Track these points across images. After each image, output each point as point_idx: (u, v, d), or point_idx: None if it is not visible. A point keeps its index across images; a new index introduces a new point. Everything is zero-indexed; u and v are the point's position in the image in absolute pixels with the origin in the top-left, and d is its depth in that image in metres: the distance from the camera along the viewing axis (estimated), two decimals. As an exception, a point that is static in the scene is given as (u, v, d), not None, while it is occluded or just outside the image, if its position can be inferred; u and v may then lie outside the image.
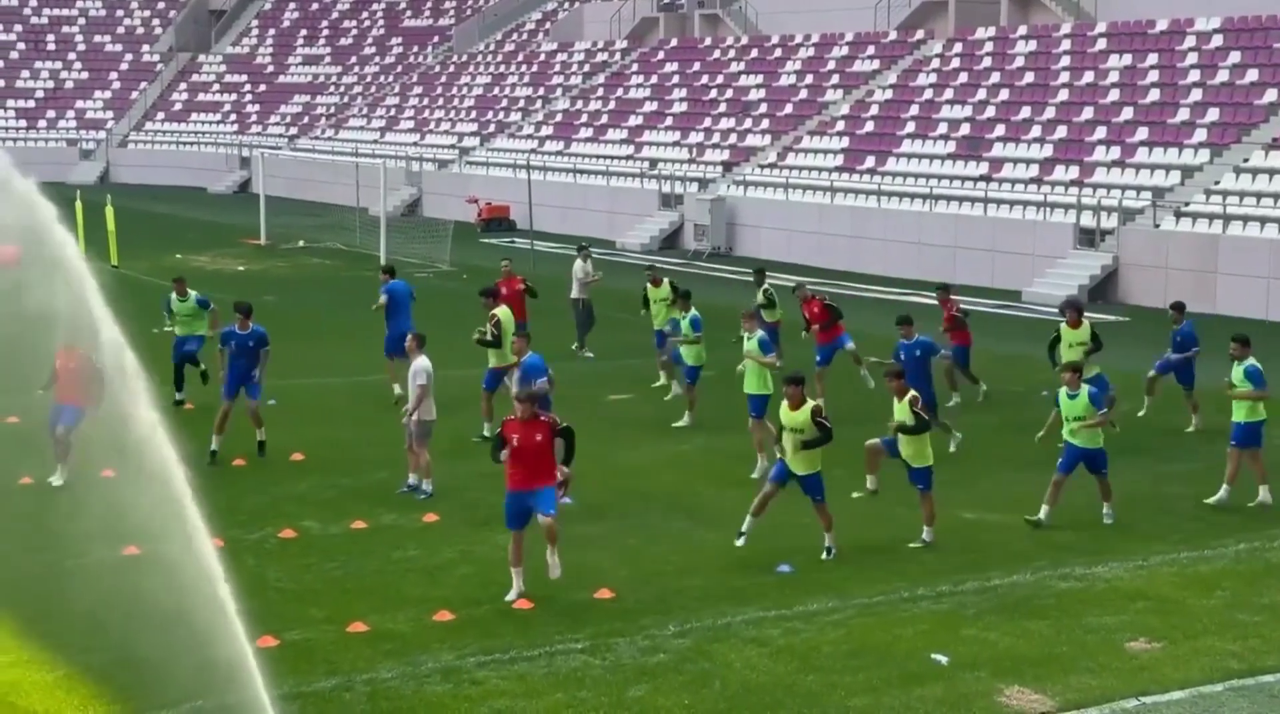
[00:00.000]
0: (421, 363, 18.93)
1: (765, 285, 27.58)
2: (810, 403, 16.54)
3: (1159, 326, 33.93)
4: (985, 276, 40.02)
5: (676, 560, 16.56)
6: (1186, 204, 37.95)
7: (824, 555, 16.58)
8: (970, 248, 40.87)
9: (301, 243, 49.84)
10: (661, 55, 61.24)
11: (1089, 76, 45.12)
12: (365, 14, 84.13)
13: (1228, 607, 15.16)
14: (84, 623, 14.26)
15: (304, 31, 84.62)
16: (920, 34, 52.68)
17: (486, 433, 21.37)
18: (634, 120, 57.04)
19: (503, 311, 22.91)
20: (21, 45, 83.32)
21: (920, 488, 17.23)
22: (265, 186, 53.43)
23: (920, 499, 17.26)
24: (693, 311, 23.73)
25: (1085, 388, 17.93)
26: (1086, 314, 23.87)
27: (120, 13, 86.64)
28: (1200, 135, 40.22)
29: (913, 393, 17.30)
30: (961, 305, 25.83)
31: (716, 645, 13.96)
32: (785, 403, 16.59)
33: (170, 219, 57.90)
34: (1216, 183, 38.41)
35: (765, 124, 52.22)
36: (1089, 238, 38.80)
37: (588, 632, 14.23)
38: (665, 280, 27.26)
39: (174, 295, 24.81)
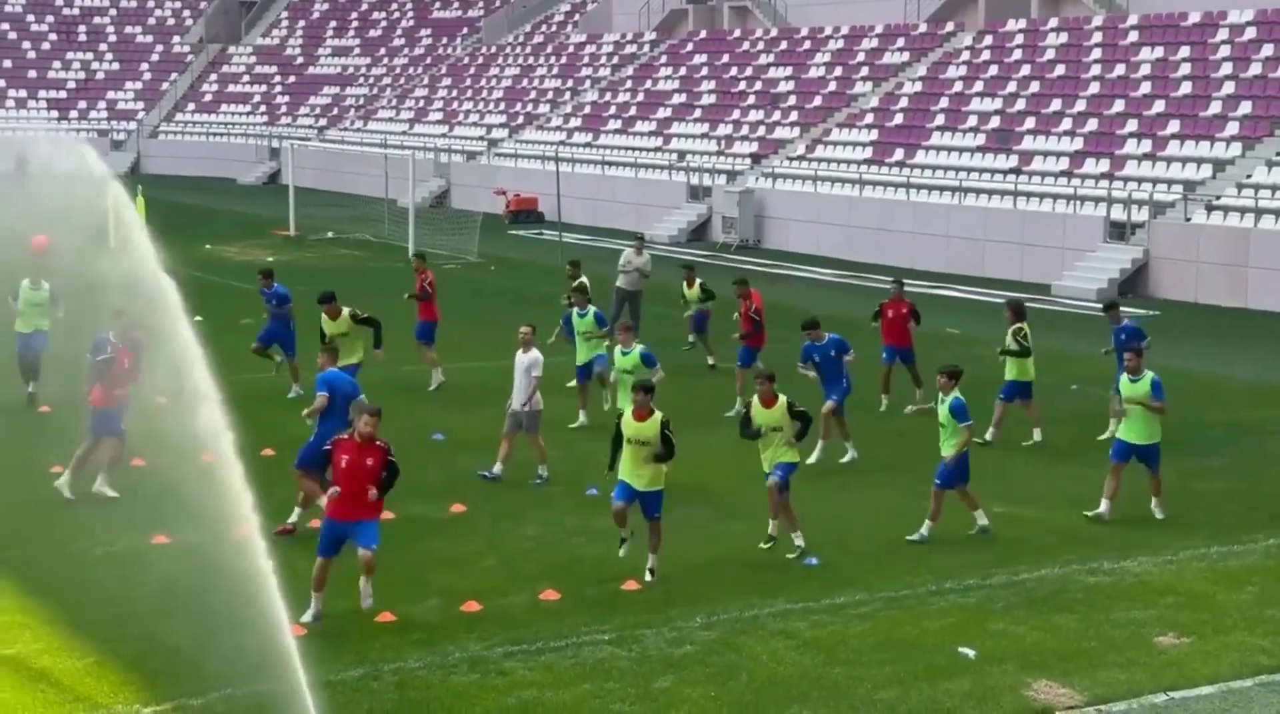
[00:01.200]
0: (536, 355, 19.48)
1: (700, 281, 27.35)
2: (659, 415, 15.54)
3: (1190, 321, 33.86)
4: (1015, 270, 39.89)
5: (703, 553, 16.56)
6: (1218, 198, 37.76)
7: (648, 577, 15.50)
8: (999, 241, 40.73)
9: (330, 234, 49.97)
10: (690, 47, 61.18)
11: (1120, 69, 44.90)
12: (394, 5, 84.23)
13: (1257, 602, 15.10)
14: (114, 610, 14.35)
15: (333, 23, 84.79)
16: (950, 26, 52.50)
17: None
18: (662, 112, 57.00)
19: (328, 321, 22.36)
20: (53, 36, 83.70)
21: (782, 488, 16.33)
22: (294, 177, 53.56)
23: (782, 503, 16.36)
24: (594, 308, 23.00)
25: (951, 396, 16.90)
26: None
27: (151, 4, 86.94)
28: (1232, 128, 39.99)
29: (785, 397, 16.34)
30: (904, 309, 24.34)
31: (743, 637, 13.97)
32: (630, 413, 15.68)
33: (200, 210, 58.09)
34: (1248, 176, 38.19)
35: (794, 116, 52.12)
36: (1119, 231, 38.63)
37: (615, 623, 14.25)
38: (583, 277, 26.30)
39: (26, 282, 23.29)
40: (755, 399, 16.52)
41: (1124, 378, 18.16)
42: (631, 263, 30.10)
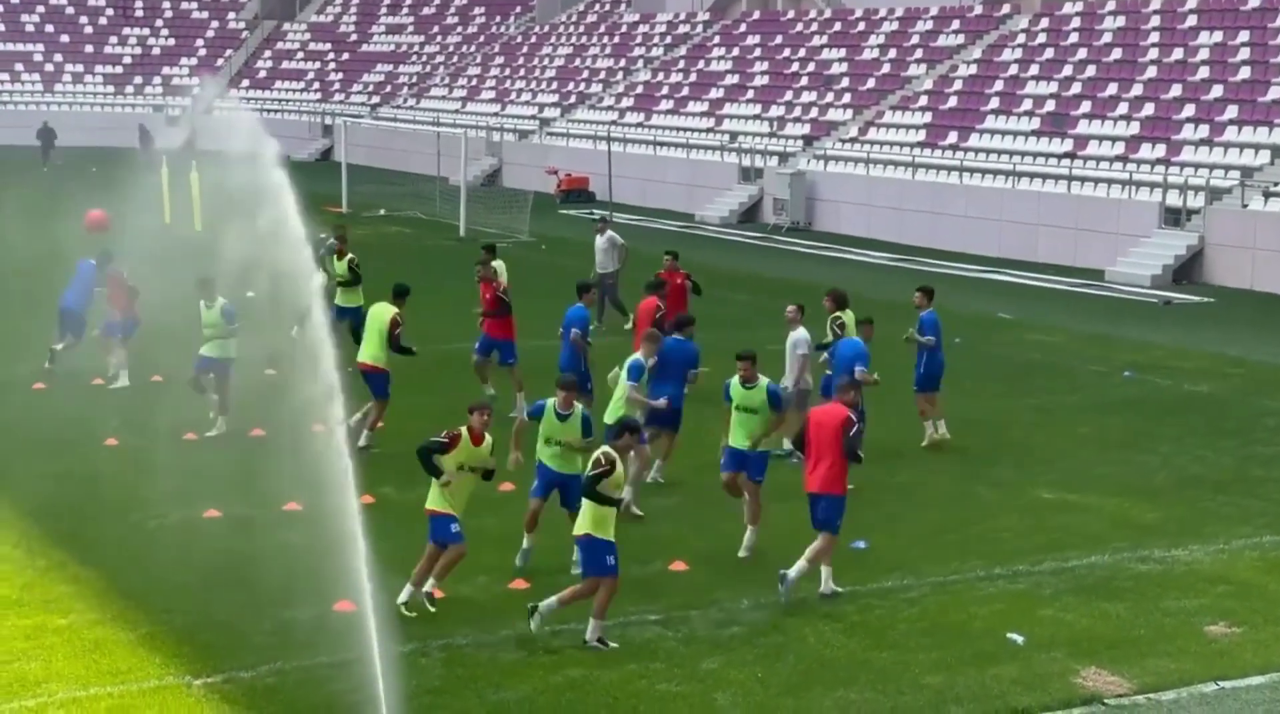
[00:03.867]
0: (802, 333, 19.37)
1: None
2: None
3: (1245, 308, 33.56)
4: (1068, 255, 39.61)
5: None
6: (1276, 184, 37.32)
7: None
8: (1053, 226, 40.43)
9: (382, 211, 50.14)
10: (744, 27, 60.97)
11: (1178, 53, 44.45)
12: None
13: (1310, 593, 14.96)
14: (166, 582, 14.49)
15: (387, 0, 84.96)
16: (1006, 8, 52.08)
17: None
18: (715, 93, 56.86)
19: None
20: (110, 11, 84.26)
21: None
22: (347, 154, 53.75)
23: None
24: (222, 301, 20.30)
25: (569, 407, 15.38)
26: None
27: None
28: (1291, 114, 39.55)
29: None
30: (693, 277, 23.54)
31: (790, 620, 13.96)
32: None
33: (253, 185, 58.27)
34: (1307, 163, 37.78)
35: (847, 98, 51.89)
36: (1175, 217, 38.27)
37: (662, 604, 14.26)
38: (351, 256, 24.80)
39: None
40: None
41: (734, 382, 16.13)
42: (598, 247, 29.69)
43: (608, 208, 46.36)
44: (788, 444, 18.92)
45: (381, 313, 20.27)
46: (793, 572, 14.36)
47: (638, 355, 17.84)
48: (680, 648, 13.26)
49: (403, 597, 13.92)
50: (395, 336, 19.97)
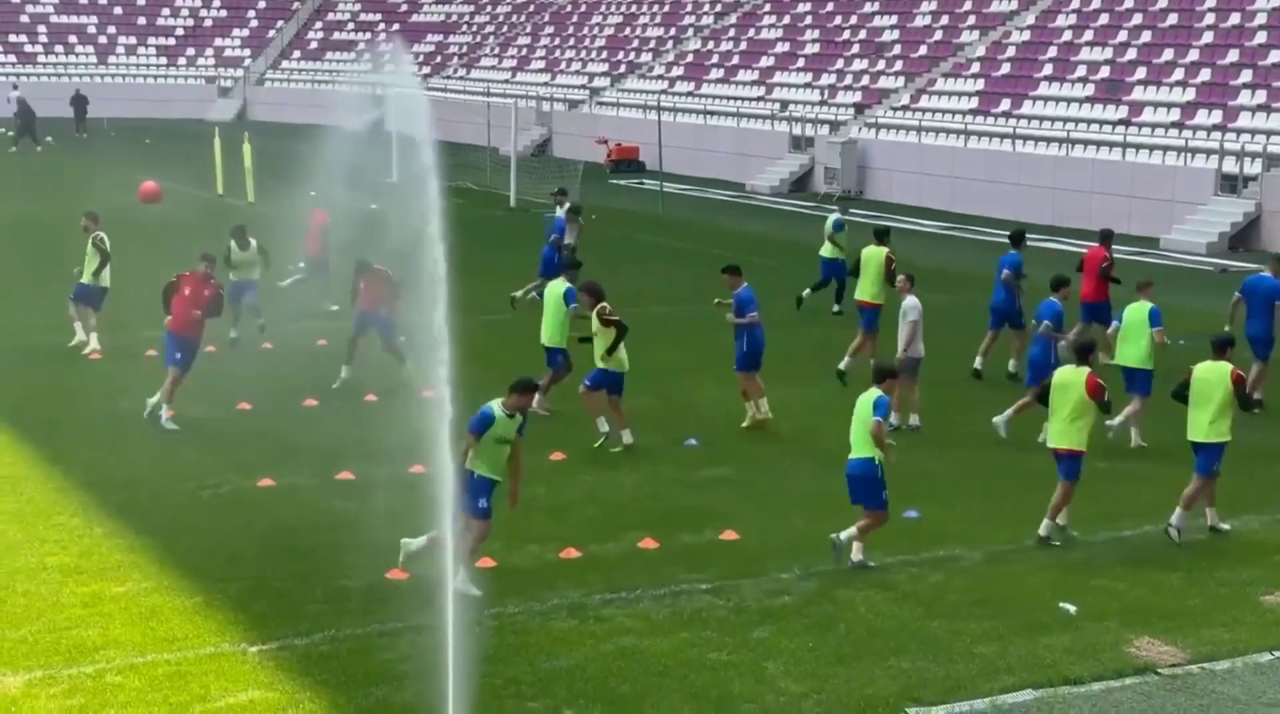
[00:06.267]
0: (913, 301, 19.63)
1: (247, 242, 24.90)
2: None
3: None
4: (1122, 222, 39.19)
5: (803, 503, 16.54)
6: (1334, 150, 36.92)
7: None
8: (1107, 193, 40.08)
9: (433, 181, 50.19)
10: (794, -5, 60.64)
11: (1235, 18, 43.88)
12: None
13: (1367, 563, 14.83)
14: (221, 551, 14.63)
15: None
16: (1060, -26, 51.59)
17: None
18: (765, 61, 56.59)
19: None
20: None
21: None
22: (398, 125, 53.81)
23: None
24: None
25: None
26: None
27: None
28: (1351, 79, 39.02)
29: None
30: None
31: (841, 589, 13.95)
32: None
33: (305, 157, 58.45)
34: (1366, 129, 37.28)
35: (899, 65, 51.54)
36: (1231, 184, 37.87)
37: (713, 572, 14.29)
38: (100, 235, 23.93)
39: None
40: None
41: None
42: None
43: (658, 177, 46.26)
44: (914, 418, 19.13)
45: (876, 255, 23.10)
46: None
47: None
48: (731, 617, 13.28)
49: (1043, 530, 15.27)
50: (892, 272, 22.29)
